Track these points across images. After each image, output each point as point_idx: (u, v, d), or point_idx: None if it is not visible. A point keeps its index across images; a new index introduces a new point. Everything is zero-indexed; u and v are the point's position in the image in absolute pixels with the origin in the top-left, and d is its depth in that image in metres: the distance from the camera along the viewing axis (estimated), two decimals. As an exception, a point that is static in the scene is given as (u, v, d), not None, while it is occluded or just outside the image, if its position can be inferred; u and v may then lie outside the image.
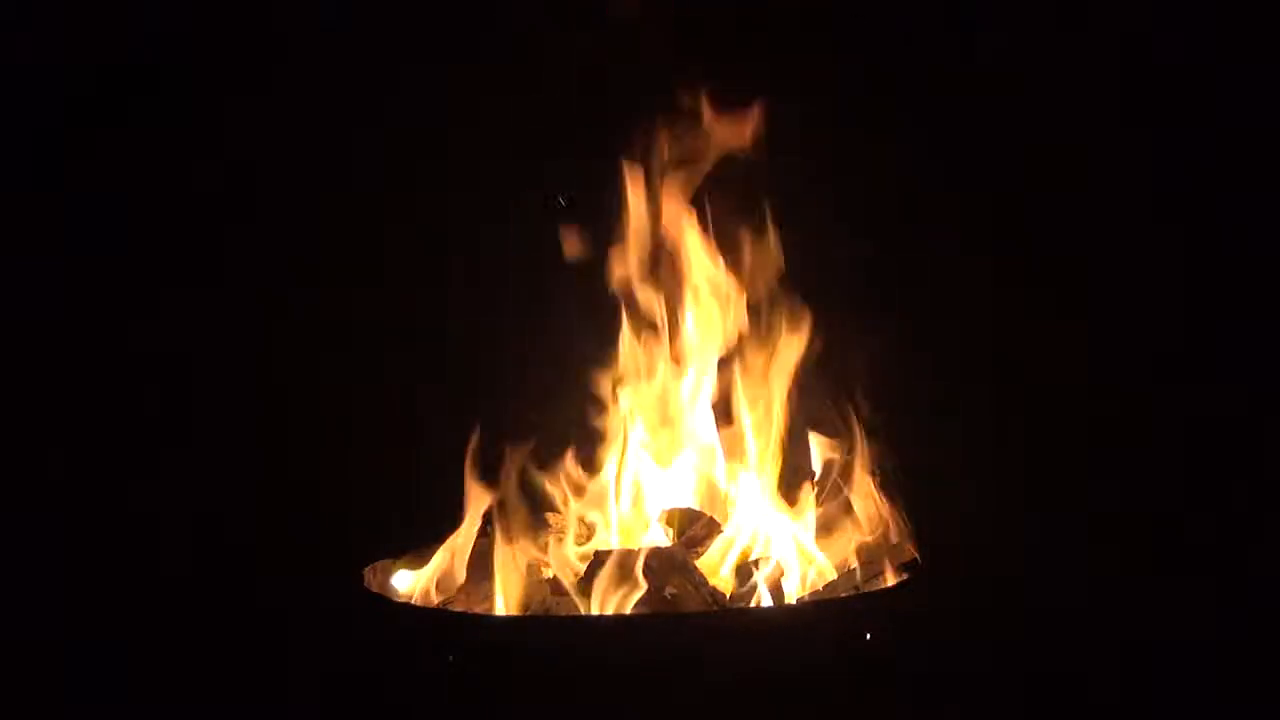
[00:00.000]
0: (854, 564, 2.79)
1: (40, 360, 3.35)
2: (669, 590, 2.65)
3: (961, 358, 3.29)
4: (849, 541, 2.85)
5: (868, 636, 2.60)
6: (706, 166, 3.03)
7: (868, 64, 3.29)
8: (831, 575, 2.79)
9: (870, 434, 2.92)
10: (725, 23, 3.19)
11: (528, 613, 2.75)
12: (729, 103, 3.02)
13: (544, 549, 2.88)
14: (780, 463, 2.95)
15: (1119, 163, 3.30)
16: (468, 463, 2.87)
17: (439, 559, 2.86)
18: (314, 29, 3.36)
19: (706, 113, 3.02)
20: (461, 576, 2.85)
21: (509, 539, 2.83)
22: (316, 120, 3.38)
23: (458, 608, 2.78)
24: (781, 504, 2.91)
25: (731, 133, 3.02)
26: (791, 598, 2.77)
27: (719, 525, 2.85)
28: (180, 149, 3.38)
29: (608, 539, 2.90)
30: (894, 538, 2.82)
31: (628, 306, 3.01)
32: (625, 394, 2.99)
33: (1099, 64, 3.28)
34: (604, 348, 3.02)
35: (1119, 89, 3.30)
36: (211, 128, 3.38)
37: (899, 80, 3.30)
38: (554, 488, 2.94)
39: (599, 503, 2.94)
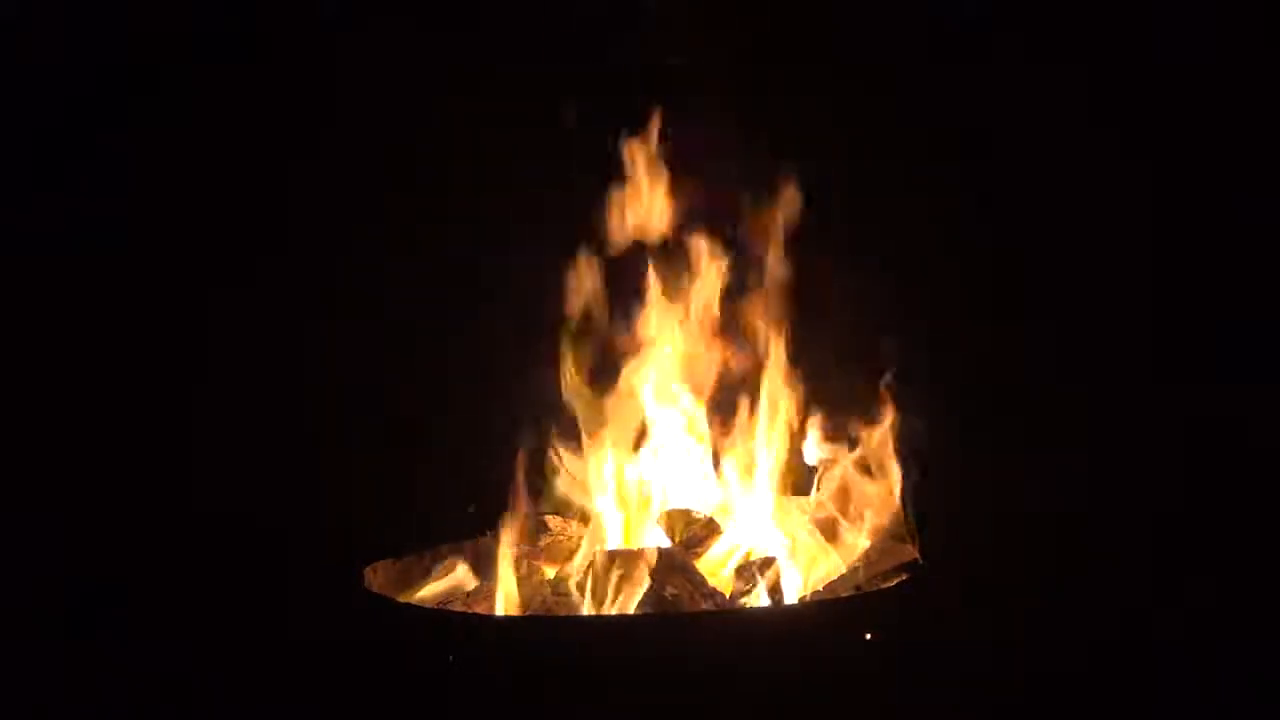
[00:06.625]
0: (855, 564, 2.79)
1: (41, 360, 3.35)
2: (669, 590, 2.65)
3: (961, 357, 3.29)
4: (850, 541, 2.85)
5: (868, 636, 2.60)
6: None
7: (870, 67, 3.30)
8: (832, 575, 2.79)
9: (872, 433, 2.92)
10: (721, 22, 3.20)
11: (528, 613, 2.75)
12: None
13: (545, 550, 2.88)
14: (782, 462, 2.95)
15: (1118, 164, 3.31)
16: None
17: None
18: (314, 28, 3.36)
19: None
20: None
21: (510, 540, 2.83)
22: (317, 120, 3.38)
23: (458, 608, 2.79)
24: (782, 504, 2.92)
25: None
26: (792, 598, 2.77)
27: (719, 525, 2.85)
28: (180, 149, 3.38)
29: (608, 539, 2.90)
30: (894, 538, 2.82)
31: (631, 306, 3.02)
32: (627, 394, 3.00)
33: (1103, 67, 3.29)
34: (604, 349, 3.03)
35: (1120, 89, 3.31)
36: (211, 128, 3.38)
37: (898, 80, 3.31)
38: (555, 489, 2.94)
39: (599, 504, 2.94)
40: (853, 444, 2.93)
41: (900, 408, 2.90)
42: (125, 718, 2.97)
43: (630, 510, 2.95)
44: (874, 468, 2.90)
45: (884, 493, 2.88)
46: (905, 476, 2.86)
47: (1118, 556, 3.15)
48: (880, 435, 2.89)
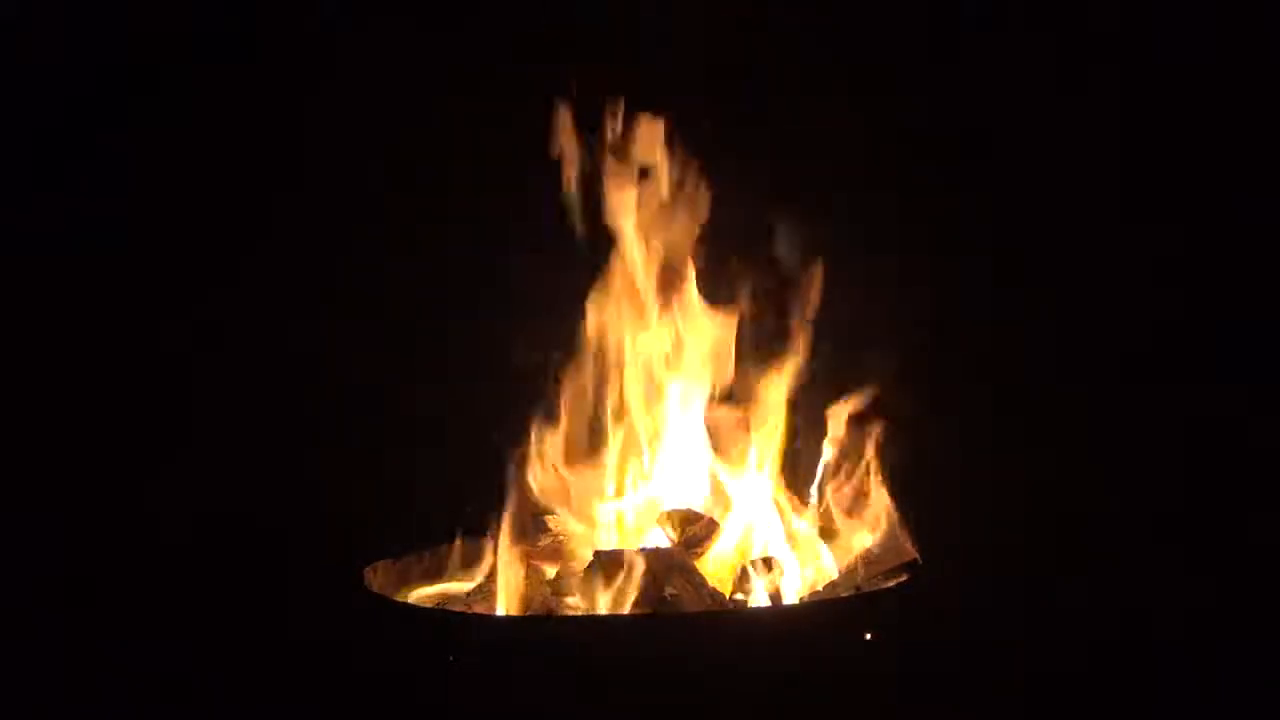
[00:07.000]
0: (854, 564, 2.79)
1: (41, 360, 3.35)
2: (669, 590, 2.65)
3: (961, 358, 3.29)
4: (849, 541, 2.85)
5: (868, 637, 2.60)
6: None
7: (870, 67, 3.30)
8: (832, 575, 2.79)
9: (872, 433, 2.92)
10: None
11: (528, 613, 2.75)
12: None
13: (545, 550, 2.88)
14: (782, 462, 2.95)
15: (1118, 164, 3.31)
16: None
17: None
18: (314, 28, 3.36)
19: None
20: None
21: (510, 540, 2.83)
22: (317, 120, 3.38)
23: (458, 608, 2.79)
24: (782, 504, 2.92)
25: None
26: (792, 598, 2.77)
27: (719, 525, 2.85)
28: (180, 149, 3.38)
29: (607, 540, 2.90)
30: (894, 538, 2.82)
31: (629, 305, 3.01)
32: (625, 394, 2.99)
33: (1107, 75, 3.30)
34: (604, 349, 3.02)
35: (1120, 89, 3.31)
36: (211, 128, 3.38)
37: (898, 80, 3.31)
38: (554, 490, 2.94)
39: (598, 504, 2.94)
40: (852, 443, 2.93)
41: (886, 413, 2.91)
42: (125, 718, 2.97)
43: (630, 511, 2.95)
44: (869, 470, 2.90)
45: (880, 493, 2.88)
46: (894, 479, 2.86)
47: (1118, 556, 3.15)
48: (872, 438, 2.90)
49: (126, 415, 3.39)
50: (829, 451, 2.95)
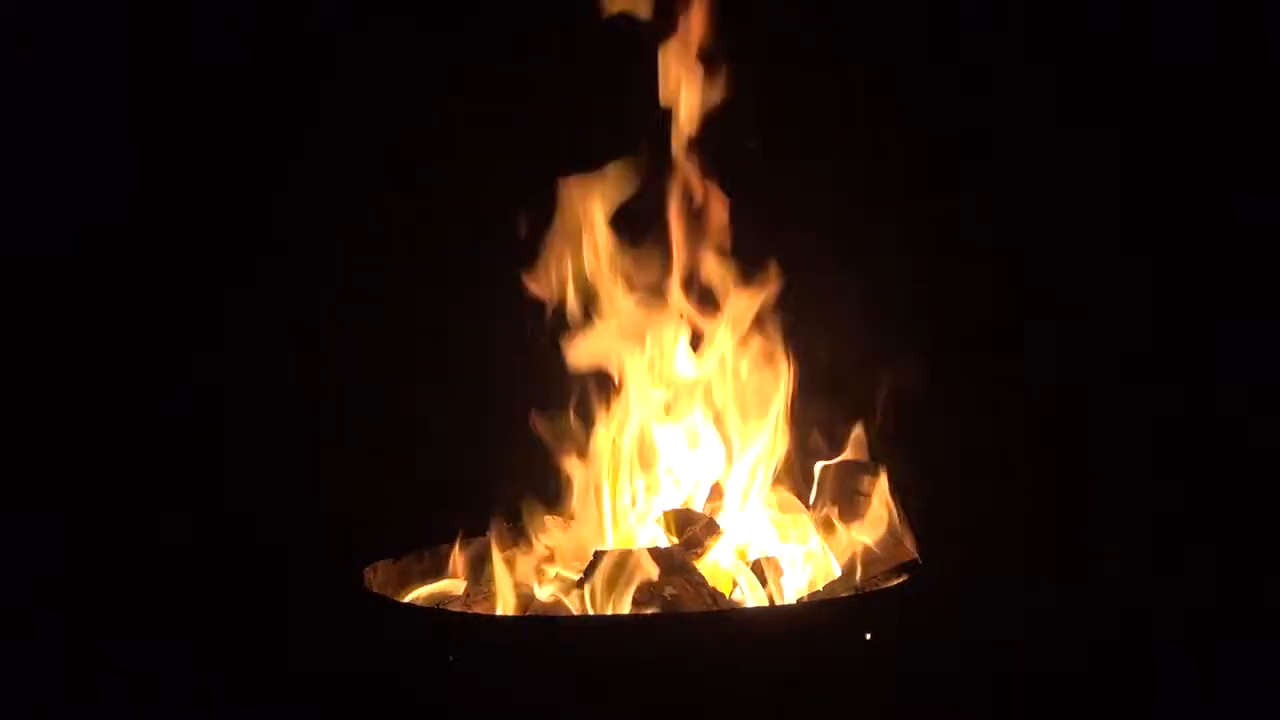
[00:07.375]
0: (854, 564, 2.79)
1: (40, 360, 3.35)
2: (669, 590, 2.65)
3: (961, 357, 3.29)
4: (849, 542, 2.85)
5: (868, 636, 2.60)
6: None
7: (870, 67, 3.30)
8: (832, 575, 2.79)
9: (872, 435, 2.93)
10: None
11: (528, 613, 2.75)
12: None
13: (545, 550, 2.89)
14: (781, 462, 2.95)
15: (1118, 164, 3.31)
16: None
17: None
18: (314, 28, 3.36)
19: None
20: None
21: (509, 540, 2.84)
22: (317, 120, 3.38)
23: (457, 608, 2.79)
24: (782, 504, 2.92)
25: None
26: (792, 598, 2.77)
27: (718, 526, 2.85)
28: (180, 149, 3.38)
29: (607, 539, 2.90)
30: (894, 538, 2.82)
31: (630, 305, 3.02)
32: (626, 393, 3.00)
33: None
34: (603, 348, 3.02)
35: (1120, 89, 3.31)
36: (211, 128, 3.38)
37: (898, 80, 3.31)
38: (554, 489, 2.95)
39: (598, 503, 2.94)
40: (851, 444, 2.93)
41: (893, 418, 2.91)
42: (125, 718, 2.97)
43: (630, 510, 2.96)
44: (868, 470, 2.90)
45: (879, 493, 2.88)
46: (894, 479, 2.86)
47: (1118, 556, 3.16)
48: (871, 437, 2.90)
49: (126, 415, 3.39)
50: (828, 451, 2.95)
